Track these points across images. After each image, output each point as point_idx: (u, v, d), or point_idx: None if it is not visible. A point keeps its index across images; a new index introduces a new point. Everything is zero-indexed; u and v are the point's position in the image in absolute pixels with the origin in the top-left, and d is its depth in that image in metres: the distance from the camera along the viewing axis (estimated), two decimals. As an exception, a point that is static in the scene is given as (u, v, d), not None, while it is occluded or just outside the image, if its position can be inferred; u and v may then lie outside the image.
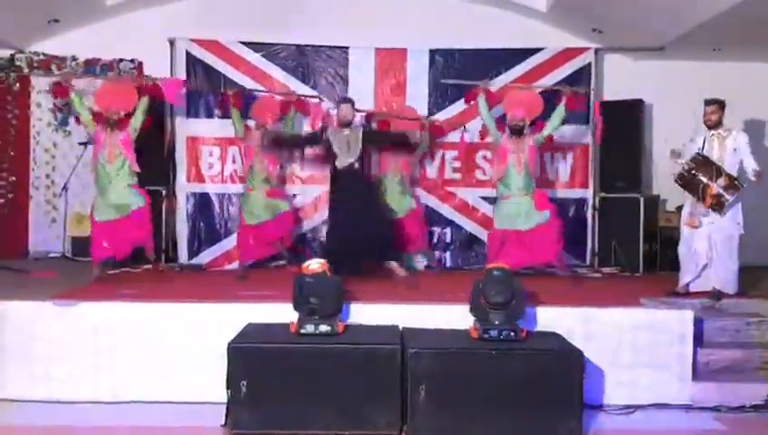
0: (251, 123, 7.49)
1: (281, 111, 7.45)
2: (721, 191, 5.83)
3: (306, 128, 7.79)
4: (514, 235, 6.63)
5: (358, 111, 7.01)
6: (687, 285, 6.14)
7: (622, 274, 7.68)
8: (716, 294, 5.97)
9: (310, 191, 8.04)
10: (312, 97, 7.84)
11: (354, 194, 6.21)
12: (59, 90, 6.74)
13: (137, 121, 6.61)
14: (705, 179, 5.89)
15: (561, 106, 6.79)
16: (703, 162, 5.94)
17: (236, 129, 7.38)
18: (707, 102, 6.11)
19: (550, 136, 6.95)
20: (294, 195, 7.94)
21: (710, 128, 6.08)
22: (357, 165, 6.32)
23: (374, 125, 7.67)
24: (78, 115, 6.79)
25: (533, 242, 6.61)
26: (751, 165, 5.94)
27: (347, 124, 6.35)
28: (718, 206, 5.87)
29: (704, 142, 6.10)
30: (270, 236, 7.21)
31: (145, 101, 6.62)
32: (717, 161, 5.96)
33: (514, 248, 6.58)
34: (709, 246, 5.98)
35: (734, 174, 5.92)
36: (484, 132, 7.17)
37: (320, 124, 7.32)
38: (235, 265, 7.71)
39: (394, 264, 6.29)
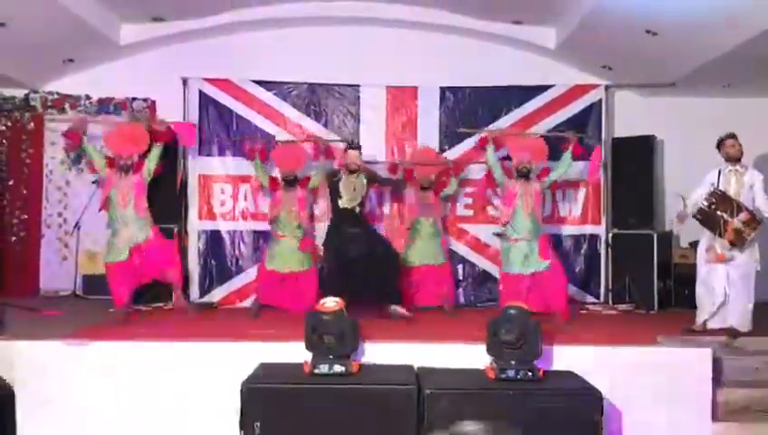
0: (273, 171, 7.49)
1: (310, 158, 7.51)
2: (741, 227, 5.80)
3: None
4: (520, 281, 6.61)
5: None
6: (705, 322, 6.07)
7: (637, 311, 7.60)
8: (733, 332, 5.90)
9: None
10: (339, 141, 7.78)
11: (355, 235, 6.31)
12: (71, 136, 6.80)
13: (151, 165, 6.69)
14: (725, 215, 5.86)
15: (568, 154, 6.86)
16: (722, 197, 5.92)
17: (260, 179, 7.38)
18: (729, 136, 6.11)
19: (555, 182, 7.02)
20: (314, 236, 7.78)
21: (736, 161, 6.06)
22: (358, 209, 6.48)
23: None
24: (91, 160, 6.85)
25: (538, 290, 6.59)
26: (765, 204, 5.93)
27: (353, 171, 6.40)
28: (739, 241, 5.83)
29: (719, 178, 6.08)
30: (289, 290, 7.07)
31: (160, 146, 6.69)
32: (734, 196, 5.94)
33: (519, 296, 6.53)
34: (727, 283, 5.92)
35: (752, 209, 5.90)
36: (489, 176, 7.16)
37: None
38: (246, 302, 7.70)
39: (397, 306, 6.24)
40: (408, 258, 7.28)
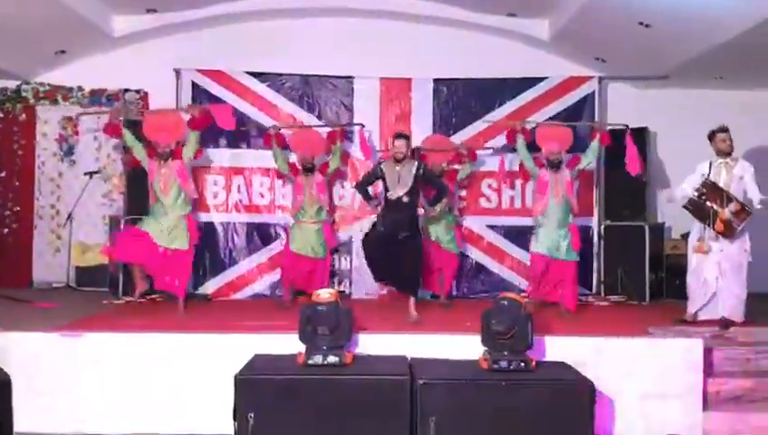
0: (292, 157, 7.49)
1: (328, 143, 7.52)
2: (731, 217, 5.83)
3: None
4: (553, 263, 6.67)
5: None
6: (696, 313, 6.11)
7: (629, 302, 7.64)
8: (725, 323, 5.94)
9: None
10: (354, 125, 7.87)
11: (396, 224, 6.22)
12: (111, 129, 6.71)
13: (190, 151, 6.60)
14: (714, 206, 5.89)
15: (595, 142, 6.89)
16: (712, 188, 5.95)
17: (280, 166, 7.39)
18: (721, 130, 6.13)
19: (582, 171, 7.03)
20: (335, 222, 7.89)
21: (726, 154, 6.09)
22: (406, 199, 6.29)
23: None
24: (130, 148, 6.73)
25: (555, 275, 6.68)
26: (756, 195, 5.95)
27: (400, 159, 6.39)
28: (729, 231, 5.87)
29: (710, 169, 6.11)
30: (309, 273, 7.16)
31: (197, 132, 6.62)
32: (724, 188, 5.97)
33: (542, 276, 6.70)
34: (718, 273, 5.96)
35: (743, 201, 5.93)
36: (522, 168, 7.24)
37: (376, 161, 7.17)
38: (239, 294, 7.77)
39: (411, 301, 6.25)
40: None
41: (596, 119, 8.19)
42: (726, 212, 5.86)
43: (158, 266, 6.47)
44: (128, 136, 6.64)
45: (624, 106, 8.50)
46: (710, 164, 6.14)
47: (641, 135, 8.13)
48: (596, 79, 8.32)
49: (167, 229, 6.44)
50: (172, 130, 6.62)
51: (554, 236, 6.67)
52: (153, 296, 7.28)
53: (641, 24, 6.91)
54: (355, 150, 7.97)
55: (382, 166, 6.49)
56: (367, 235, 6.52)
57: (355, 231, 7.87)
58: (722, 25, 6.53)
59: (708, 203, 5.92)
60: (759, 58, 7.25)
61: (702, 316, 6.11)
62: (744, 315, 6.02)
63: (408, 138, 6.57)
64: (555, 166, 6.76)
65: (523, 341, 4.70)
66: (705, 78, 8.22)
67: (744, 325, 5.97)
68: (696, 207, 6.01)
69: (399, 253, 6.16)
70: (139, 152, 6.61)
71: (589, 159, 6.92)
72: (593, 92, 8.26)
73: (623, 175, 7.72)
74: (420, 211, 6.45)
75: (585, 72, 8.43)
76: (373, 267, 6.50)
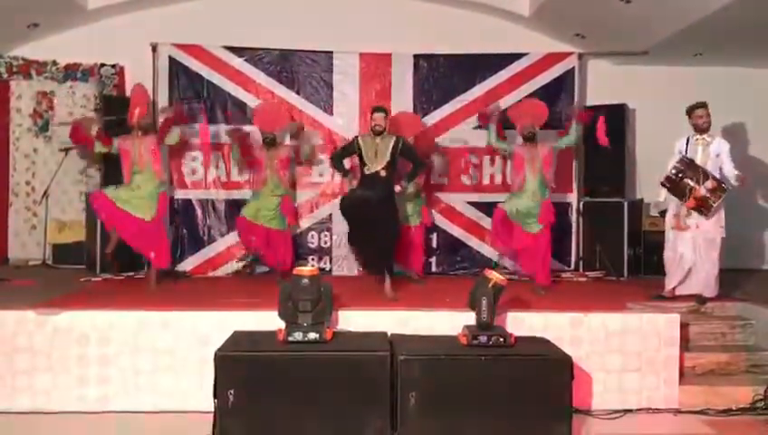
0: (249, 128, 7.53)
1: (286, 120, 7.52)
2: (707, 194, 5.87)
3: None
4: (523, 234, 6.66)
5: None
6: (674, 288, 6.17)
7: (607, 278, 7.71)
8: (702, 299, 6.01)
9: (302, 194, 8.00)
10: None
11: (369, 201, 6.13)
12: (80, 138, 6.72)
13: (172, 141, 6.82)
14: (691, 182, 5.93)
15: (576, 124, 6.85)
16: (689, 165, 5.99)
17: (233, 157, 7.40)
18: (699, 105, 6.14)
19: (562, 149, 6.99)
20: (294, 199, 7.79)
21: (703, 131, 6.11)
22: (383, 173, 6.27)
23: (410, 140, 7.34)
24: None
25: (531, 252, 6.67)
26: (732, 171, 5.99)
27: (379, 133, 6.34)
28: (705, 208, 5.91)
29: (687, 146, 6.14)
30: (265, 243, 7.13)
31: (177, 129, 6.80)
32: (701, 165, 6.00)
33: (507, 233, 6.71)
34: (693, 249, 6.01)
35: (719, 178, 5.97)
36: (492, 150, 7.31)
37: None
38: (219, 271, 7.74)
39: (387, 279, 6.24)
40: None
41: (575, 95, 8.19)
42: (702, 189, 5.89)
43: (132, 233, 6.49)
44: (98, 147, 6.62)
45: (604, 83, 8.54)
46: (687, 141, 6.17)
47: (620, 112, 8.18)
48: (576, 55, 8.31)
49: (138, 198, 6.44)
50: (144, 105, 6.65)
51: (522, 204, 6.64)
52: (132, 274, 7.26)
53: (621, -1, 6.91)
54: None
55: (359, 139, 6.45)
56: (343, 198, 6.46)
57: (334, 208, 7.84)
58: (701, 2, 6.54)
59: (685, 180, 5.96)
60: (738, 35, 7.29)
61: (679, 292, 6.17)
62: (717, 290, 6.07)
63: (386, 111, 6.55)
64: (530, 139, 6.75)
65: (324, 312, 4.77)
66: (684, 55, 8.26)
67: (716, 300, 6.04)
68: (674, 185, 6.04)
69: (375, 220, 6.10)
70: (111, 150, 6.63)
71: (570, 140, 6.90)
72: (573, 69, 8.24)
73: (602, 152, 7.75)
74: (397, 188, 6.43)
75: (565, 49, 8.43)
76: (351, 233, 6.47)
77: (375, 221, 6.12)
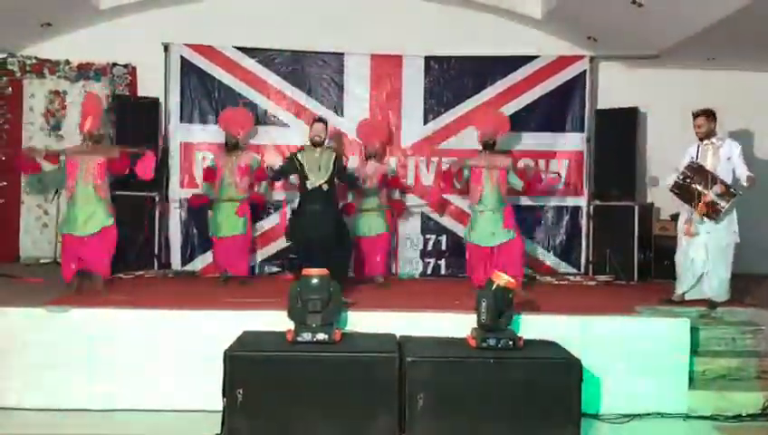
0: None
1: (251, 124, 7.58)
2: (716, 199, 5.84)
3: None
4: (483, 251, 6.66)
5: None
6: (684, 294, 6.14)
7: (617, 282, 7.68)
8: (712, 303, 5.97)
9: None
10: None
11: (315, 218, 6.04)
12: (27, 166, 6.60)
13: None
14: (700, 187, 5.89)
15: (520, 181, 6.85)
16: (698, 170, 5.95)
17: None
18: (695, 114, 6.11)
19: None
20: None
21: (701, 138, 6.08)
22: (326, 187, 6.15)
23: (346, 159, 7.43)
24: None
25: (498, 259, 6.61)
26: (744, 173, 5.93)
27: (319, 144, 6.27)
28: (714, 213, 5.87)
29: (697, 151, 6.11)
30: (225, 252, 7.17)
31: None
32: (711, 170, 5.97)
33: (484, 266, 6.61)
34: (706, 255, 5.98)
35: (730, 181, 5.94)
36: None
37: (288, 153, 6.92)
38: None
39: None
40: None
41: (587, 98, 8.18)
42: (711, 194, 5.84)
43: (84, 253, 6.18)
44: (47, 168, 6.57)
45: (615, 86, 8.52)
46: (698, 146, 6.15)
47: (632, 115, 8.16)
48: (587, 58, 8.29)
49: (85, 214, 6.13)
50: (96, 116, 6.37)
51: (488, 226, 6.63)
52: (143, 273, 7.29)
53: (633, 2, 6.88)
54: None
55: (298, 155, 6.25)
56: (291, 233, 6.38)
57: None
58: (714, 5, 6.51)
59: (693, 185, 5.91)
60: (750, 39, 7.24)
61: (689, 297, 6.14)
62: (728, 296, 6.01)
63: (326, 122, 6.45)
64: (489, 147, 6.76)
65: (332, 314, 4.80)
66: (696, 59, 8.21)
67: (727, 305, 6.00)
68: (682, 191, 6.01)
69: (323, 245, 5.92)
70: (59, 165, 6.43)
71: (514, 184, 6.84)
72: (584, 72, 8.25)
73: (612, 155, 7.76)
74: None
75: (577, 52, 8.41)
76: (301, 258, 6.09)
77: (323, 246, 5.92)
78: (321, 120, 6.41)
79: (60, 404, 4.99)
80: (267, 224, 7.96)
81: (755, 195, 6.18)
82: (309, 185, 6.13)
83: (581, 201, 8.27)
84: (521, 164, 7.33)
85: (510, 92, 8.07)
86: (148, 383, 5.05)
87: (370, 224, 7.26)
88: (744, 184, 5.91)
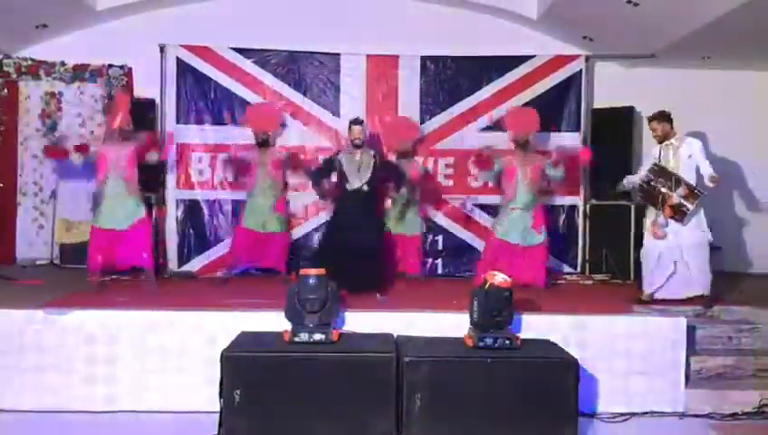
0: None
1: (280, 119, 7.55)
2: (681, 201, 5.82)
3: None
4: (511, 248, 6.65)
5: None
6: (652, 293, 6.12)
7: (613, 281, 7.69)
8: (708, 302, 5.98)
9: (302, 198, 7.97)
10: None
11: (355, 218, 6.10)
12: (54, 153, 6.76)
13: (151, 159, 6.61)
14: (664, 190, 5.88)
15: (558, 171, 6.84)
16: (660, 172, 5.94)
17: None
18: (649, 119, 6.17)
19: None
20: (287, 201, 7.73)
21: (660, 141, 6.10)
22: (366, 188, 6.22)
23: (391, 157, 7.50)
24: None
25: (525, 261, 6.63)
26: (707, 171, 5.90)
27: (358, 146, 6.31)
28: (679, 215, 5.85)
29: (660, 154, 6.11)
30: (263, 249, 7.14)
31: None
32: (673, 170, 5.94)
33: (508, 263, 6.55)
34: (678, 256, 5.97)
35: (693, 181, 5.91)
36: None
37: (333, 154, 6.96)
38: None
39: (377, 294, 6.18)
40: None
41: (583, 98, 8.19)
42: (675, 197, 5.83)
43: (121, 250, 6.38)
44: (76, 158, 6.61)
45: (611, 85, 8.53)
46: (660, 149, 6.14)
47: (628, 115, 8.17)
48: (583, 58, 8.30)
49: (119, 206, 6.32)
50: (126, 112, 6.54)
51: (518, 224, 6.64)
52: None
53: (629, 2, 6.90)
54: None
55: (340, 157, 6.35)
56: (326, 237, 6.41)
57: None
58: (710, 4, 6.53)
59: (658, 188, 5.90)
60: (746, 38, 7.26)
61: (659, 296, 6.11)
62: (716, 292, 6.01)
63: (364, 123, 6.49)
64: (523, 147, 6.76)
65: (330, 313, 4.79)
66: (692, 58, 8.23)
67: (724, 304, 6.01)
68: (646, 194, 6.01)
69: (359, 243, 5.95)
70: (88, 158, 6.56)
71: (556, 176, 6.88)
72: (580, 71, 8.25)
73: (609, 155, 7.76)
74: (388, 203, 6.39)
75: (573, 51, 8.42)
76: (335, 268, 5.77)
77: (359, 243, 5.97)
78: (358, 121, 6.45)
79: (59, 406, 4.98)
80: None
81: (752, 196, 6.18)
82: (349, 187, 6.18)
83: (578, 200, 8.29)
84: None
85: (506, 92, 8.08)
86: (147, 385, 5.04)
87: (401, 223, 7.26)
88: (709, 184, 5.88)
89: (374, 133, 7.76)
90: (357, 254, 5.94)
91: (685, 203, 5.82)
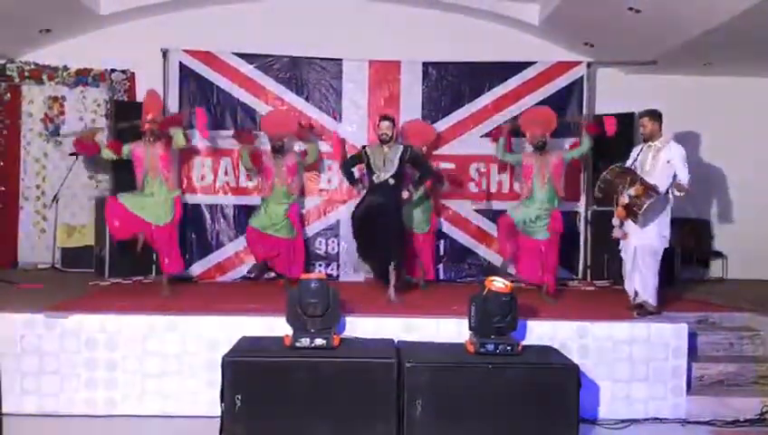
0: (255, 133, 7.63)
1: (298, 125, 7.50)
2: (631, 200, 5.61)
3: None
4: (528, 240, 6.62)
5: None
6: (634, 298, 6.01)
7: (615, 287, 7.66)
8: (645, 309, 5.78)
9: (311, 200, 8.04)
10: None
11: (381, 201, 6.23)
12: (84, 148, 6.70)
13: (176, 144, 6.60)
14: (619, 189, 5.71)
15: (585, 136, 6.78)
16: (619, 172, 5.78)
17: (244, 163, 7.39)
18: (640, 115, 6.06)
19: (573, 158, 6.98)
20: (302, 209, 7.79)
21: (645, 140, 5.99)
22: (392, 181, 6.32)
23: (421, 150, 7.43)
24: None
25: (539, 258, 6.61)
26: (685, 178, 5.71)
27: (386, 141, 6.38)
28: (632, 214, 5.66)
29: (639, 154, 6.01)
30: (276, 253, 7.11)
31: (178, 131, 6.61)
32: (647, 172, 5.79)
33: (528, 255, 6.61)
34: (633, 255, 5.89)
35: (666, 185, 5.75)
36: (502, 166, 7.49)
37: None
38: (227, 276, 7.76)
39: (392, 282, 6.26)
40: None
41: (584, 104, 8.20)
42: (626, 197, 5.65)
43: (150, 240, 6.52)
44: (106, 154, 6.62)
45: (612, 92, 8.53)
46: (641, 147, 6.03)
47: (629, 121, 8.16)
48: (584, 64, 8.31)
49: (152, 204, 6.40)
50: (156, 112, 6.62)
51: (530, 212, 6.60)
52: (141, 278, 7.29)
53: (630, 9, 6.92)
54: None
55: (367, 150, 6.49)
56: (354, 212, 6.51)
57: (342, 215, 7.86)
58: (711, 11, 6.54)
59: (612, 188, 5.75)
60: (746, 45, 7.27)
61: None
62: (657, 301, 5.85)
63: (393, 120, 6.56)
64: (540, 148, 6.74)
65: (333, 318, 4.78)
66: (693, 64, 8.25)
67: (726, 311, 5.99)
68: (605, 194, 5.88)
69: (383, 227, 6.15)
70: (122, 156, 6.60)
71: (582, 151, 6.87)
72: (582, 78, 8.25)
73: (610, 161, 7.74)
74: (405, 194, 6.44)
75: (574, 58, 8.43)
76: (359, 242, 6.46)
77: (383, 228, 6.15)
78: (387, 117, 6.54)
79: (59, 410, 4.99)
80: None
81: (754, 202, 6.15)
82: (375, 179, 6.33)
83: (579, 207, 8.29)
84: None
85: (507, 98, 8.08)
86: (147, 389, 5.05)
87: (414, 218, 7.23)
88: (676, 192, 5.75)
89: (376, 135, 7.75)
90: (379, 228, 6.15)
91: (636, 203, 5.59)
